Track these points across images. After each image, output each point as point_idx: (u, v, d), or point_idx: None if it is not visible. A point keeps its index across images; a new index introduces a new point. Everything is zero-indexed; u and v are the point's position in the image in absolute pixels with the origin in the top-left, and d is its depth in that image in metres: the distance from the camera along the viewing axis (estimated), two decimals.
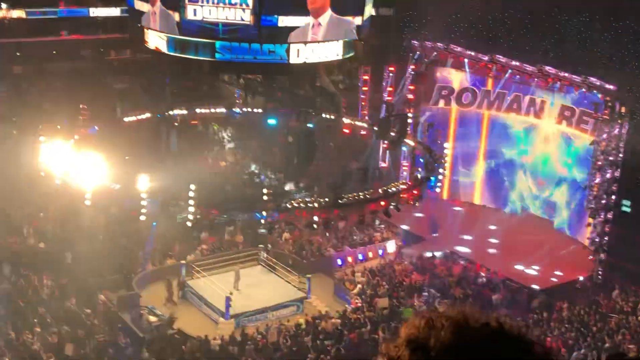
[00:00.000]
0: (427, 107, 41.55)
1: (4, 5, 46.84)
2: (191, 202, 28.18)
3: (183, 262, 33.01)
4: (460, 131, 41.64)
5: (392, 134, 37.67)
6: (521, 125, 39.97)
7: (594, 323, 29.00)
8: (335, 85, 48.27)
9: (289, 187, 40.27)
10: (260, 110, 41.90)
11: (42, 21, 47.67)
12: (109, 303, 29.97)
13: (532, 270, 34.34)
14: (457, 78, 41.12)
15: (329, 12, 31.62)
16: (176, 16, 31.69)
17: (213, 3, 30.81)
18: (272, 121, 40.78)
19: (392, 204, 30.85)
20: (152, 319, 28.88)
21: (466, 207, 41.57)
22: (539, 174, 39.79)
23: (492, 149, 41.39)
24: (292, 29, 31.32)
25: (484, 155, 41.79)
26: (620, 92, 34.91)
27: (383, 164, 43.43)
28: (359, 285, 32.54)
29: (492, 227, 38.37)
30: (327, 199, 30.10)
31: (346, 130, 40.80)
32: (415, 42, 41.32)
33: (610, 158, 34.07)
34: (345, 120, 40.89)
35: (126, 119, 37.77)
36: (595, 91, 35.35)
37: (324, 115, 41.13)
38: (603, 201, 34.04)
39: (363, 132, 40.86)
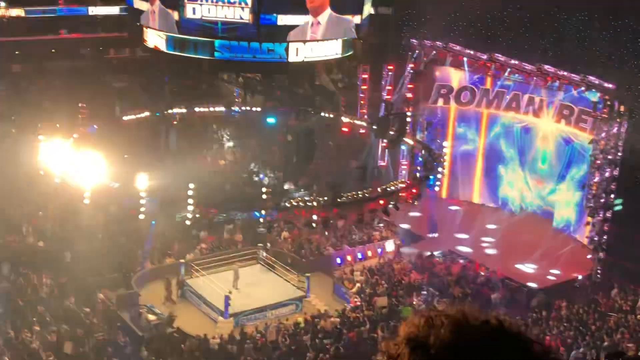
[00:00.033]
0: (427, 105, 41.57)
1: (3, 4, 46.85)
2: (190, 201, 28.17)
3: (182, 261, 32.99)
4: (459, 130, 41.67)
5: (391, 132, 37.69)
6: (520, 124, 39.97)
7: (592, 322, 29.01)
8: (335, 84, 48.26)
9: (287, 186, 40.27)
10: (259, 109, 41.91)
11: (42, 20, 47.68)
12: (108, 302, 29.96)
13: (531, 269, 34.34)
14: (456, 77, 41.13)
15: (328, 11, 31.64)
16: (175, 15, 31.71)
17: (212, 2, 30.82)
18: (271, 120, 40.80)
19: (391, 202, 30.86)
20: (151, 317, 28.86)
21: (465, 206, 41.56)
22: (537, 172, 39.78)
23: (491, 148, 41.38)
24: (292, 27, 31.34)
25: (483, 154, 41.79)
26: (619, 90, 34.91)
27: (382, 163, 43.43)
28: (358, 284, 32.54)
29: (491, 226, 38.37)
30: (326, 198, 30.11)
31: (345, 129, 40.82)
32: (414, 40, 41.32)
33: (609, 157, 34.08)
34: (345, 119, 40.90)
35: (125, 118, 37.75)
36: (594, 90, 35.34)
37: (323, 114, 41.15)
38: (602, 200, 34.05)
39: (362, 131, 40.87)
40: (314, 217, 30.13)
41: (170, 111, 39.19)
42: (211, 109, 41.15)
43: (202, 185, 30.23)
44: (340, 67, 46.33)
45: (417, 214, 37.91)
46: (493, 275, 33.42)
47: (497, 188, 41.66)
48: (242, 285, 32.03)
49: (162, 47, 33.48)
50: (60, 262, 31.76)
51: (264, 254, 34.56)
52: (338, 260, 34.83)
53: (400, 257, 35.70)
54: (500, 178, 41.45)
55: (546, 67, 37.03)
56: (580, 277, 33.66)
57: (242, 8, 30.74)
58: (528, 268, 34.40)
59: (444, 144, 38.90)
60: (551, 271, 34.17)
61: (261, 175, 42.05)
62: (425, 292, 31.86)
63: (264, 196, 31.06)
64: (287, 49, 31.71)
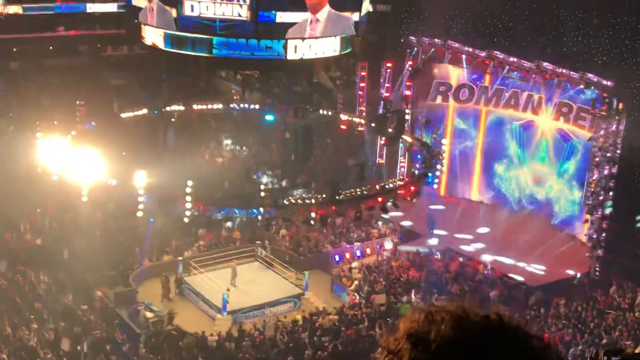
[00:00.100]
0: (425, 103, 41.59)
1: (0, 1, 46.77)
2: (188, 198, 28.18)
3: (180, 258, 33.03)
4: (458, 127, 41.71)
5: (390, 130, 37.70)
6: (519, 121, 40.00)
7: (591, 319, 29.07)
8: (333, 82, 48.31)
9: (285, 183, 40.33)
10: (257, 107, 41.93)
11: (39, 17, 47.59)
12: (106, 299, 30.01)
13: (530, 267, 34.37)
14: (454, 74, 41.15)
15: (327, 8, 31.64)
16: (173, 12, 31.70)
17: None
18: (269, 117, 40.84)
19: (390, 200, 30.87)
20: (149, 315, 28.89)
21: (464, 203, 41.59)
22: (536, 170, 39.82)
23: (490, 145, 41.42)
24: (290, 24, 31.34)
25: (481, 152, 41.83)
26: (617, 88, 34.95)
27: (380, 160, 43.44)
28: (356, 282, 32.58)
29: (490, 224, 38.39)
30: (324, 195, 30.12)
31: (343, 127, 40.85)
32: (412, 38, 41.31)
33: (608, 154, 34.13)
34: (343, 117, 40.92)
35: (123, 115, 37.76)
36: (592, 87, 35.39)
37: (321, 111, 41.17)
38: (601, 197, 34.10)
39: (360, 129, 40.88)
40: (312, 214, 30.14)
41: (168, 109, 39.18)
42: (209, 106, 41.16)
43: (200, 182, 30.27)
44: (339, 64, 46.37)
45: (415, 211, 37.91)
46: (491, 273, 33.47)
47: (496, 185, 41.69)
48: (240, 282, 32.08)
49: (160, 44, 33.48)
50: (58, 259, 31.81)
51: (262, 251, 34.60)
52: (336, 258, 34.88)
53: (398, 255, 35.74)
54: (499, 175, 41.49)
55: (545, 64, 37.06)
56: (578, 274, 33.69)
57: (240, 5, 30.73)
58: (526, 265, 34.42)
59: (443, 141, 38.90)
60: (550, 269, 34.19)
61: (259, 173, 42.12)
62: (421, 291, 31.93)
63: (262, 194, 31.07)
64: (285, 46, 31.71)
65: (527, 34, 39.18)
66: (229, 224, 36.02)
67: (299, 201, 30.07)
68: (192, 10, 31.20)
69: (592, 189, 34.39)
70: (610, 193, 34.03)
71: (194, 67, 41.31)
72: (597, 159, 34.41)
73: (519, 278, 33.10)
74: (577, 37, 38.98)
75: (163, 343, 27.20)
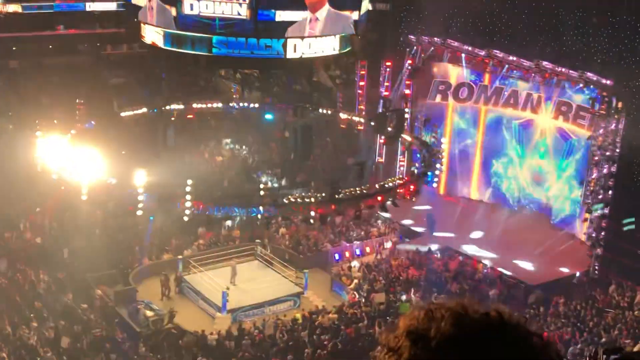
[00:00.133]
0: (425, 102, 41.58)
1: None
2: (188, 197, 28.18)
3: (180, 257, 33.04)
4: (457, 126, 41.70)
5: (389, 129, 37.69)
6: (518, 120, 39.99)
7: (590, 318, 29.08)
8: (332, 81, 48.28)
9: (284, 182, 40.31)
10: (257, 105, 41.91)
11: (39, 15, 47.54)
12: (106, 298, 30.00)
13: (529, 266, 34.38)
14: (454, 73, 41.13)
15: (326, 7, 31.63)
16: (173, 11, 31.68)
17: None
18: (268, 116, 40.83)
19: (389, 199, 30.87)
20: (149, 313, 28.89)
21: (463, 202, 41.56)
22: (535, 169, 39.81)
23: (489, 144, 41.40)
24: (290, 23, 31.32)
25: (481, 151, 41.81)
26: (617, 87, 34.94)
27: (380, 159, 43.43)
28: (356, 281, 32.59)
29: (489, 223, 38.34)
30: (323, 194, 30.12)
31: (343, 126, 40.83)
32: (412, 37, 41.30)
33: (607, 153, 34.14)
34: (342, 116, 40.91)
35: (123, 114, 37.74)
36: (592, 86, 35.38)
37: (321, 110, 41.15)
38: (600, 196, 34.11)
39: (360, 127, 40.86)
40: (312, 213, 30.15)
41: (167, 107, 39.16)
42: (209, 105, 41.14)
43: (200, 181, 30.27)
44: (338, 63, 46.35)
45: (415, 210, 37.91)
46: (490, 272, 33.46)
47: (496, 184, 41.68)
48: (240, 281, 32.09)
49: (160, 43, 33.45)
50: (58, 258, 31.80)
51: (262, 250, 34.60)
52: (336, 257, 34.88)
53: (397, 253, 35.73)
54: (498, 174, 41.47)
55: (544, 63, 37.05)
56: (577, 273, 33.71)
57: (240, 4, 30.72)
58: (526, 264, 34.43)
59: (442, 140, 38.88)
60: (549, 267, 34.19)
61: (259, 172, 42.12)
62: (422, 289, 31.93)
63: (262, 192, 31.06)
64: (284, 45, 31.69)
65: (527, 32, 39.16)
66: (228, 222, 36.04)
67: (299, 200, 30.06)
68: (192, 9, 31.19)
69: (592, 188, 34.40)
70: (610, 192, 34.04)
71: (193, 65, 41.27)
72: (596, 158, 34.42)
73: (518, 277, 33.09)
74: (577, 36, 38.97)
75: (163, 342, 27.20)
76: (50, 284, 30.16)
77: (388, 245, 36.34)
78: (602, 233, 33.81)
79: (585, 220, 34.92)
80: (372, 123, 39.06)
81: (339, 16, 32.34)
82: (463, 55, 40.01)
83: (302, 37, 31.79)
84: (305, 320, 29.03)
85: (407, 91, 41.22)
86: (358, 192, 30.81)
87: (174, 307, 29.69)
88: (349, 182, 33.64)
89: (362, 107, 43.21)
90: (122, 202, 29.26)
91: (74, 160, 29.10)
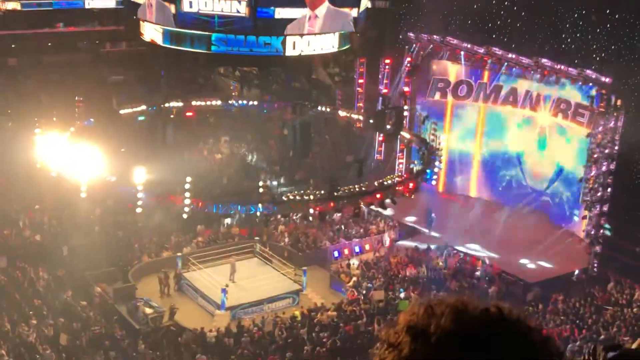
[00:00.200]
0: (424, 99, 41.57)
1: None
2: (187, 194, 28.18)
3: (179, 254, 33.03)
4: (457, 123, 41.70)
5: (388, 126, 37.68)
6: (517, 117, 39.98)
7: (589, 315, 29.11)
8: (331, 78, 48.24)
9: (283, 180, 40.28)
10: (256, 103, 41.88)
11: (38, 13, 47.47)
12: (105, 295, 30.00)
13: (528, 263, 34.39)
14: (453, 70, 41.12)
15: (326, 4, 31.60)
16: (172, 8, 31.65)
17: None
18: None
19: (388, 196, 30.87)
20: (148, 311, 28.89)
21: (462, 200, 41.55)
22: (535, 166, 39.81)
23: (488, 142, 41.40)
24: (289, 21, 31.29)
25: (480, 149, 41.81)
26: (616, 84, 34.94)
27: (379, 157, 43.42)
28: (355, 278, 32.58)
29: (488, 220, 38.34)
30: (322, 192, 30.12)
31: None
32: (411, 34, 41.29)
33: (606, 151, 34.14)
34: (341, 113, 40.88)
35: (122, 112, 37.72)
36: (591, 84, 35.38)
37: (319, 107, 41.13)
38: (599, 194, 34.12)
39: (359, 125, 40.84)
40: (311, 210, 30.14)
41: (166, 105, 39.14)
42: (208, 102, 41.12)
43: (199, 178, 30.26)
44: (337, 60, 46.33)
45: (414, 207, 37.90)
46: (489, 269, 33.47)
47: (495, 182, 41.67)
48: (239, 278, 32.10)
49: (159, 40, 33.43)
50: (57, 255, 31.79)
51: (261, 247, 34.60)
52: (335, 254, 34.88)
53: (396, 251, 35.74)
54: (497, 172, 41.47)
55: (543, 60, 37.05)
56: (576, 270, 33.71)
57: (239, 1, 30.69)
58: (525, 262, 34.43)
59: (441, 137, 38.85)
60: (548, 265, 34.22)
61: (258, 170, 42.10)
62: (421, 287, 31.94)
63: (261, 190, 31.05)
64: (284, 43, 31.67)
65: (526, 30, 39.13)
66: (227, 220, 36.03)
67: (298, 197, 30.06)
68: (191, 6, 31.16)
69: (590, 186, 34.41)
70: (609, 189, 34.06)
71: (192, 63, 41.22)
72: (595, 156, 34.43)
73: (517, 274, 33.10)
74: (576, 34, 38.95)
75: (162, 339, 27.21)
76: (49, 282, 30.15)
77: (387, 242, 36.32)
78: (601, 230, 33.82)
79: (584, 217, 34.93)
80: (371, 120, 39.05)
81: (338, 13, 32.31)
82: (462, 52, 40.00)
83: (301, 35, 31.77)
84: (304, 317, 29.04)
85: (406, 89, 41.19)
86: (357, 189, 30.80)
87: (173, 304, 29.67)
88: (348, 179, 33.64)
89: (361, 104, 43.18)
90: (121, 199, 29.25)
91: (73, 157, 29.09)
